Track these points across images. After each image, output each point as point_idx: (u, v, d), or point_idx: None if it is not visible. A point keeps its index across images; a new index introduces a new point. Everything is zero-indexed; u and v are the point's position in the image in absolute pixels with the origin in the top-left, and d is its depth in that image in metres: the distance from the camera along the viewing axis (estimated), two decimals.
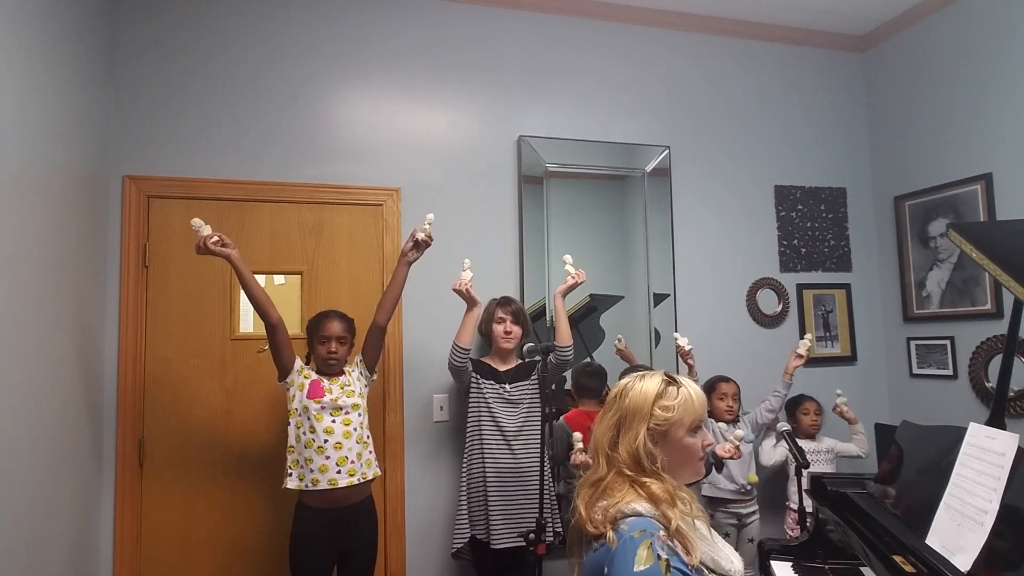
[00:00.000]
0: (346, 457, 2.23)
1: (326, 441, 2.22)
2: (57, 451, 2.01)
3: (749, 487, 2.83)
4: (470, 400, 2.57)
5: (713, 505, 2.83)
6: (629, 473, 1.23)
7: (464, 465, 2.55)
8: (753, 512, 2.85)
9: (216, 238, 2.15)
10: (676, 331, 2.97)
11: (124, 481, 2.45)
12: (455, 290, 2.53)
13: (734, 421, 2.90)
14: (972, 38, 3.02)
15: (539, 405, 2.56)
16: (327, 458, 2.21)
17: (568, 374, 2.92)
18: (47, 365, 1.93)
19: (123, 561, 2.43)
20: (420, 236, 2.39)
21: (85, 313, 2.28)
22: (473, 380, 2.57)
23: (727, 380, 2.94)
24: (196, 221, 2.15)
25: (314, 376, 2.31)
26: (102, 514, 2.42)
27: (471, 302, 2.54)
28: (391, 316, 2.44)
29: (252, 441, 2.58)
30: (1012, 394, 2.68)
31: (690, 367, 2.82)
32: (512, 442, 2.50)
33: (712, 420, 2.87)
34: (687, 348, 2.80)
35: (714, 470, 2.78)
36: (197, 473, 2.53)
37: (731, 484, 2.81)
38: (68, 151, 2.13)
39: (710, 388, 2.91)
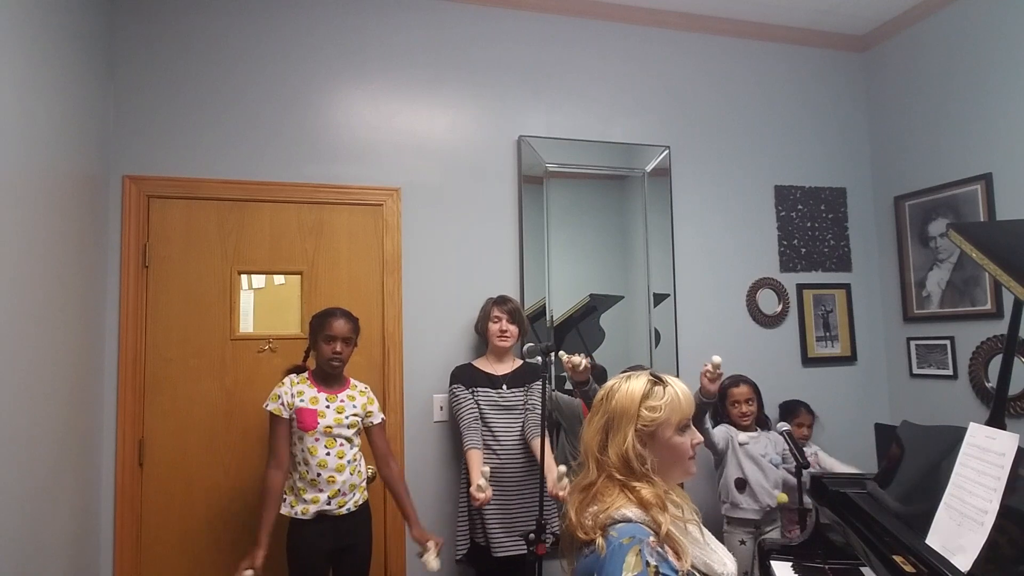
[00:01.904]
0: (339, 490, 2.20)
1: (319, 475, 2.19)
2: (57, 451, 2.01)
3: (772, 507, 2.68)
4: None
5: (732, 524, 2.72)
6: (619, 477, 1.22)
7: (464, 471, 2.54)
8: (774, 526, 2.72)
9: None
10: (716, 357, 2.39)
11: (124, 481, 2.45)
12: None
13: (750, 428, 2.77)
14: (972, 38, 3.02)
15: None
16: (320, 491, 2.19)
17: (567, 374, 2.92)
18: (47, 365, 1.93)
19: (123, 561, 2.43)
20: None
21: (85, 313, 2.28)
22: (474, 391, 2.54)
23: (738, 384, 2.80)
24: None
25: (301, 403, 2.21)
26: (102, 514, 2.43)
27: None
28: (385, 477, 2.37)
29: (252, 441, 2.58)
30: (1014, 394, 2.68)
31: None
32: (508, 449, 2.48)
33: (733, 429, 2.75)
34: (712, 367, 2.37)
35: (735, 491, 2.67)
36: (197, 473, 2.53)
37: (754, 504, 2.67)
38: (68, 151, 2.13)
39: (720, 395, 2.75)
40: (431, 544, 2.22)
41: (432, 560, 2.19)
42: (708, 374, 2.35)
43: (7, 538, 1.65)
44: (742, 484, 2.69)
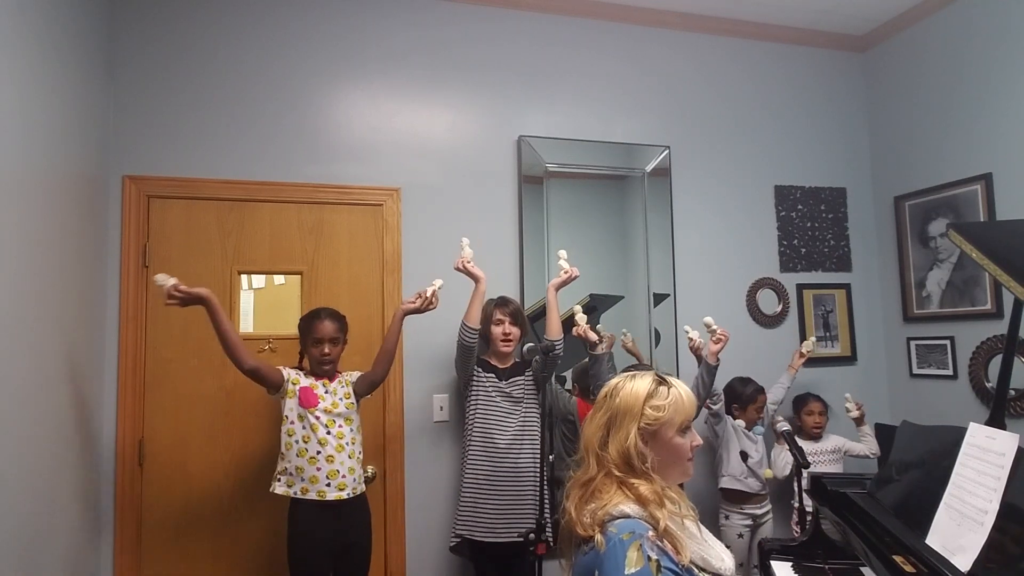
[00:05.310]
0: (337, 471, 2.23)
1: (319, 452, 2.22)
2: (57, 451, 2.01)
3: (765, 484, 2.87)
4: (471, 394, 2.57)
5: (729, 504, 2.85)
6: (618, 474, 1.23)
7: (465, 461, 2.54)
8: (767, 512, 2.88)
9: (182, 285, 2.03)
10: (686, 326, 2.80)
11: (124, 481, 2.45)
12: (456, 268, 2.53)
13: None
14: (972, 38, 3.02)
15: (538, 404, 2.56)
16: (318, 469, 2.21)
17: (569, 373, 2.93)
18: (47, 365, 1.93)
19: (123, 561, 2.43)
20: (429, 291, 2.40)
21: (85, 313, 2.28)
22: (476, 372, 2.58)
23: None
24: (160, 276, 2.02)
25: (304, 382, 2.30)
26: (102, 514, 2.42)
27: (474, 278, 2.54)
28: (388, 370, 2.42)
29: (252, 441, 2.58)
30: (1012, 394, 2.68)
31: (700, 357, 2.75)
32: (512, 440, 2.49)
33: (729, 417, 2.92)
34: (697, 341, 2.71)
35: (740, 463, 2.82)
36: (197, 473, 2.53)
37: (757, 483, 2.83)
38: (68, 151, 2.13)
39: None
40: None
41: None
42: (712, 336, 2.61)
43: (7, 538, 1.65)
44: (745, 456, 2.84)
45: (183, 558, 2.50)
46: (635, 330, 3.08)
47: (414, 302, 2.40)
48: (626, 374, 1.36)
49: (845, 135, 3.56)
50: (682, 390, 1.31)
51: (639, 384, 1.30)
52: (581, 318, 2.57)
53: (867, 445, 3.05)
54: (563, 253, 2.63)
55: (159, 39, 2.64)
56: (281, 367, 2.31)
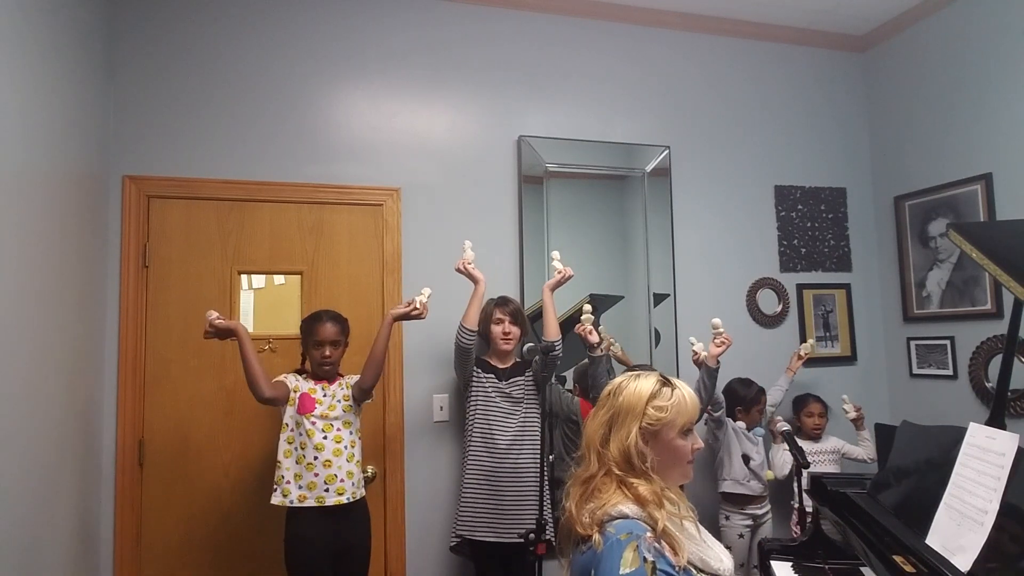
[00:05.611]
0: (335, 476, 2.22)
1: (316, 458, 2.22)
2: (57, 452, 2.01)
3: (766, 485, 2.89)
4: (471, 394, 2.58)
5: (730, 505, 2.85)
6: (618, 473, 1.24)
7: (466, 461, 2.54)
8: (767, 512, 2.88)
9: (221, 318, 2.20)
10: (691, 338, 2.81)
11: (124, 481, 2.45)
12: (457, 270, 2.55)
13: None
14: (972, 38, 3.02)
15: (538, 404, 2.56)
16: (315, 475, 2.21)
17: (570, 373, 2.93)
18: (47, 365, 1.93)
19: (123, 561, 2.43)
20: (419, 301, 2.40)
21: (85, 313, 2.28)
22: (476, 372, 2.58)
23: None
24: (210, 312, 2.20)
25: (303, 388, 2.30)
26: (102, 514, 2.43)
27: (473, 280, 2.55)
28: (378, 377, 2.36)
29: (252, 441, 2.58)
30: (1012, 394, 2.68)
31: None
32: (512, 440, 2.50)
33: (730, 420, 2.91)
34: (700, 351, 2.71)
35: (743, 466, 2.83)
36: (197, 473, 2.53)
37: (759, 484, 2.84)
38: (68, 151, 2.13)
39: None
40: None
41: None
42: (716, 338, 2.60)
43: (7, 538, 1.65)
44: (747, 459, 2.84)
45: (183, 559, 2.50)
46: (635, 330, 3.08)
47: (404, 308, 2.40)
48: (630, 373, 1.36)
49: (845, 135, 3.56)
50: (685, 392, 1.31)
51: (643, 384, 1.31)
52: (588, 317, 2.56)
53: (864, 449, 3.05)
54: (556, 254, 2.65)
55: (159, 39, 2.64)
56: (285, 377, 2.31)
